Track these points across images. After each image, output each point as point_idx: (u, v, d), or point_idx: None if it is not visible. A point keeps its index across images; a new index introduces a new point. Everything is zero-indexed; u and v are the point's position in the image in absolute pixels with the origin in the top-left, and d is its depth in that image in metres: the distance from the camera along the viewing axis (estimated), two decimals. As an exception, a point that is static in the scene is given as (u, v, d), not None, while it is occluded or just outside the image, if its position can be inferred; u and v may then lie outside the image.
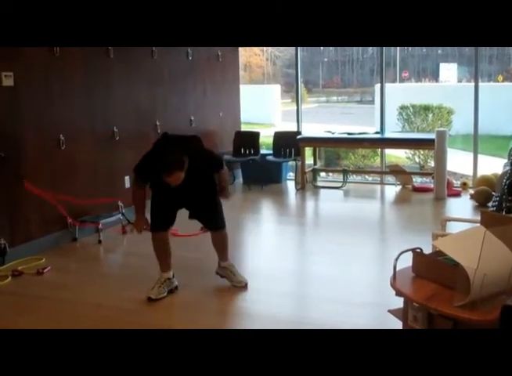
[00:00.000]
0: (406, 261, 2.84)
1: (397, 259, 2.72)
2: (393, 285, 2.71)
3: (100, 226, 6.19)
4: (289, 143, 8.92)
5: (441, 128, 8.66)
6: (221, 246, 4.74)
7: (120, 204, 6.83)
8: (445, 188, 7.72)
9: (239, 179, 9.43)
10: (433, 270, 2.69)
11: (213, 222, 4.66)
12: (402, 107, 10.75)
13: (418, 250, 2.86)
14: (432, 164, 9.03)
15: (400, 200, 8.19)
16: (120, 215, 6.60)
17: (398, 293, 2.69)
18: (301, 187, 8.71)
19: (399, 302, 2.92)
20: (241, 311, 4.39)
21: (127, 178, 7.03)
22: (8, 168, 5.41)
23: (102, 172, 6.65)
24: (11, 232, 5.43)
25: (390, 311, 3.06)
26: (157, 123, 7.53)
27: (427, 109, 10.59)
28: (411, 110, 10.72)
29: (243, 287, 4.67)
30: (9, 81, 5.36)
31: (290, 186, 9.10)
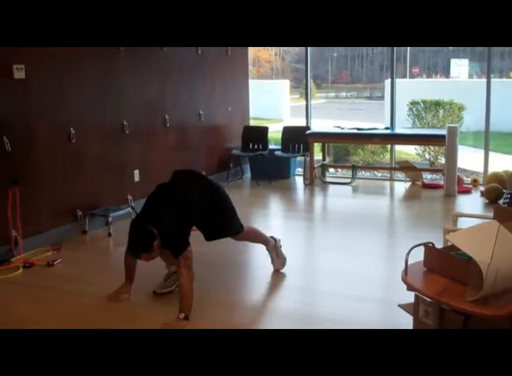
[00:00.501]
0: (417, 256, 2.84)
1: (408, 253, 2.71)
2: (404, 279, 2.70)
3: (110, 219, 6.21)
4: (298, 138, 8.90)
5: (453, 124, 8.62)
6: (254, 239, 4.89)
7: (129, 197, 6.86)
8: (455, 184, 7.69)
9: (248, 174, 9.43)
10: (445, 265, 2.68)
11: (227, 233, 4.65)
12: (413, 103, 10.69)
13: (430, 244, 2.85)
14: (442, 160, 9.00)
15: (410, 196, 8.16)
16: (129, 208, 6.62)
17: (410, 287, 2.68)
18: (310, 183, 8.70)
19: (409, 298, 2.92)
20: (250, 304, 4.38)
21: (136, 171, 7.05)
22: (18, 160, 5.43)
23: (112, 166, 6.66)
24: (22, 224, 5.44)
25: (400, 306, 3.05)
26: (166, 117, 7.54)
27: (437, 105, 10.53)
28: (421, 105, 10.66)
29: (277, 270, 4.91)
30: (20, 74, 5.37)
31: (299, 181, 9.09)
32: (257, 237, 4.89)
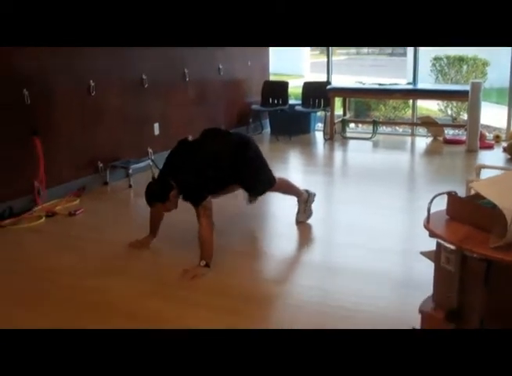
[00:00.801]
0: (438, 208, 2.82)
1: (431, 202, 2.69)
2: (426, 227, 2.69)
3: (130, 171, 6.25)
4: (318, 93, 8.82)
5: (476, 80, 8.48)
6: (285, 191, 4.88)
7: (149, 150, 6.88)
8: (477, 140, 7.61)
9: (267, 129, 9.40)
10: (468, 213, 2.67)
11: (260, 187, 4.61)
12: (436, 58, 10.52)
13: (453, 193, 2.83)
14: (465, 116, 8.90)
15: (431, 151, 8.10)
16: (149, 160, 6.64)
17: (432, 234, 2.67)
18: (330, 138, 8.65)
19: (428, 249, 2.92)
20: (270, 254, 4.41)
21: (156, 125, 7.05)
22: (38, 112, 5.45)
23: (132, 119, 6.67)
24: (44, 174, 5.49)
25: (422, 253, 3.05)
26: (186, 71, 7.50)
27: (461, 60, 10.35)
28: (445, 61, 10.49)
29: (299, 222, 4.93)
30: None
31: (319, 136, 9.04)
32: (289, 189, 4.89)
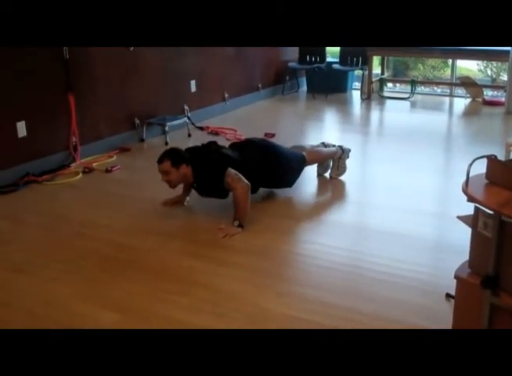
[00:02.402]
0: (476, 171, 2.78)
1: (471, 165, 2.65)
2: (465, 191, 2.65)
3: (166, 128, 6.26)
4: (356, 51, 8.66)
5: (518, 39, 8.23)
6: (319, 161, 4.99)
7: (185, 107, 6.87)
8: (517, 102, 7.45)
9: (304, 87, 9.31)
10: (508, 177, 2.62)
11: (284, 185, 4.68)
12: (478, 17, 10.24)
13: (493, 156, 2.78)
14: (505, 77, 8.69)
15: (469, 113, 7.95)
16: (185, 118, 6.64)
17: (470, 198, 2.63)
18: (367, 97, 8.55)
19: (465, 213, 2.89)
20: (302, 215, 4.41)
21: (193, 82, 7.03)
22: (76, 67, 5.46)
23: (169, 75, 6.66)
24: (81, 131, 5.54)
25: (459, 217, 3.01)
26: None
27: (504, 18, 10.06)
28: (487, 19, 10.21)
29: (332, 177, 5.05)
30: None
31: (356, 95, 8.94)
32: (322, 158, 4.96)
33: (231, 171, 4.05)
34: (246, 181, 4.05)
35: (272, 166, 4.42)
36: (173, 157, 4.11)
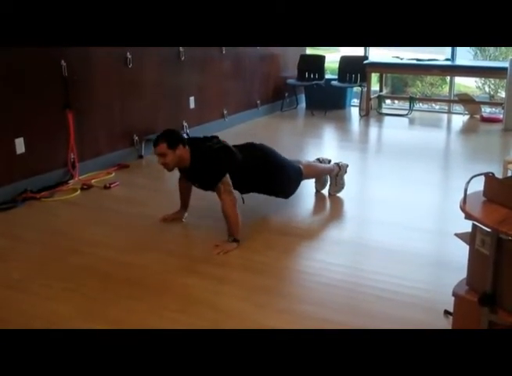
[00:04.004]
0: (474, 189, 2.78)
1: (468, 182, 2.66)
2: (463, 208, 2.66)
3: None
4: (355, 68, 8.72)
5: (516, 57, 8.29)
6: (315, 176, 4.98)
7: (184, 123, 6.90)
8: (515, 119, 7.48)
9: (302, 104, 9.34)
10: (506, 195, 2.63)
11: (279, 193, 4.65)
12: (475, 34, 10.30)
13: (490, 174, 2.80)
14: (502, 94, 8.73)
15: (467, 129, 7.99)
16: (184, 134, 6.66)
17: (468, 216, 2.64)
18: (366, 114, 8.57)
19: (464, 230, 2.89)
20: (300, 230, 4.40)
21: (192, 98, 7.06)
22: (75, 84, 5.49)
23: (168, 92, 6.68)
24: (79, 147, 5.55)
25: (457, 235, 3.02)
26: (223, 44, 7.45)
27: (501, 36, 10.12)
28: (484, 36, 10.26)
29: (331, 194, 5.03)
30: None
31: (354, 112, 8.97)
32: (318, 173, 4.96)
33: (227, 179, 4.01)
34: (234, 195, 4.03)
35: (270, 170, 4.41)
36: (169, 138, 4.04)
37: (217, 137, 4.33)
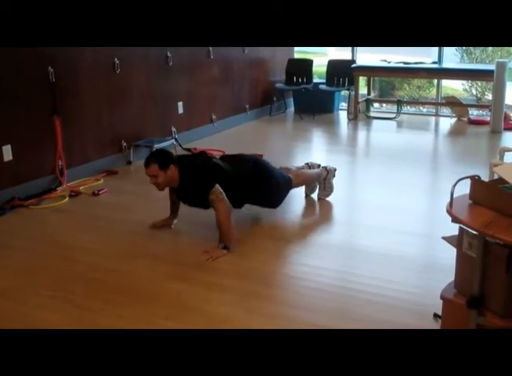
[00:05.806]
0: (461, 191, 2.80)
1: (454, 186, 2.67)
2: (449, 211, 2.67)
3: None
4: (343, 72, 8.74)
5: (502, 59, 8.35)
6: (305, 183, 4.97)
7: (173, 129, 6.89)
8: (501, 121, 7.52)
9: (291, 108, 9.35)
10: (491, 198, 2.64)
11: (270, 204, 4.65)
12: (461, 37, 10.36)
13: (476, 177, 2.81)
14: (489, 96, 8.78)
15: (455, 132, 8.02)
16: (173, 140, 6.66)
17: (454, 219, 2.65)
18: (354, 117, 8.59)
19: (451, 233, 2.90)
20: (291, 236, 4.41)
21: (180, 104, 7.06)
22: (62, 90, 5.47)
23: (156, 97, 6.68)
24: (67, 154, 5.54)
25: (444, 238, 3.04)
26: (210, 49, 7.46)
27: (487, 39, 10.18)
28: (470, 40, 10.32)
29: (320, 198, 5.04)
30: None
31: (342, 116, 8.99)
32: (307, 181, 4.95)
33: (217, 188, 4.00)
34: (228, 203, 4.04)
35: (260, 181, 4.40)
36: (160, 159, 4.03)
37: (205, 153, 4.34)
